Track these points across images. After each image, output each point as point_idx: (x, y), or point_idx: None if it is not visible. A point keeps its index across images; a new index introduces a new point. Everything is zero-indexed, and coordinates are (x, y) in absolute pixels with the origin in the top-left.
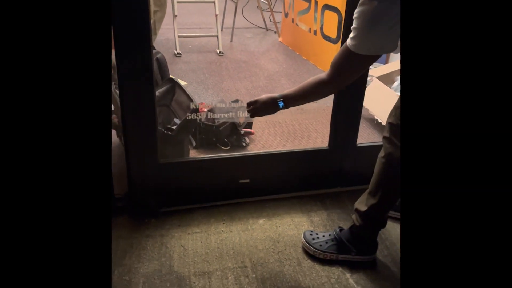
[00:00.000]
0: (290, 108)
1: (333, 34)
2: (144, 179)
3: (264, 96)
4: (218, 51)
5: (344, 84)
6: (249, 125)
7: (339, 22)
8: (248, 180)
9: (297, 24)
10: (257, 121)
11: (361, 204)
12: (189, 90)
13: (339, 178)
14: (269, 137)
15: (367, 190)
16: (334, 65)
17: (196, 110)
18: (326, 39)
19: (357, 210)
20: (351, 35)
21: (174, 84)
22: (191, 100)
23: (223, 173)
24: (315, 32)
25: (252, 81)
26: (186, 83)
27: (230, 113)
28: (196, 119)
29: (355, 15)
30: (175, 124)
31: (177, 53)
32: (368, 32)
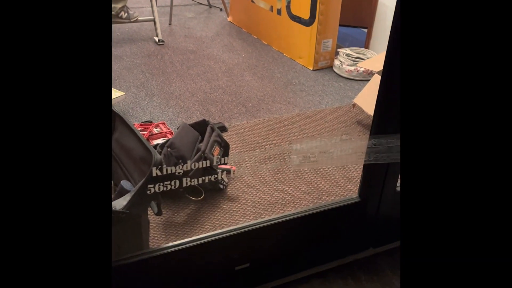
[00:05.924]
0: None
1: (304, 14)
2: None
3: None
4: (156, 39)
5: None
6: (224, 158)
7: None
8: (248, 264)
9: (253, 1)
10: (232, 144)
11: None
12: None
13: (369, 236)
14: (252, 166)
15: None
16: None
17: (163, 178)
18: (294, 20)
19: None
20: None
21: (114, 114)
22: (148, 152)
23: (210, 262)
24: (279, 11)
25: (208, 80)
26: (123, 93)
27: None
28: (161, 189)
29: None
30: (123, 191)
31: None
32: None
